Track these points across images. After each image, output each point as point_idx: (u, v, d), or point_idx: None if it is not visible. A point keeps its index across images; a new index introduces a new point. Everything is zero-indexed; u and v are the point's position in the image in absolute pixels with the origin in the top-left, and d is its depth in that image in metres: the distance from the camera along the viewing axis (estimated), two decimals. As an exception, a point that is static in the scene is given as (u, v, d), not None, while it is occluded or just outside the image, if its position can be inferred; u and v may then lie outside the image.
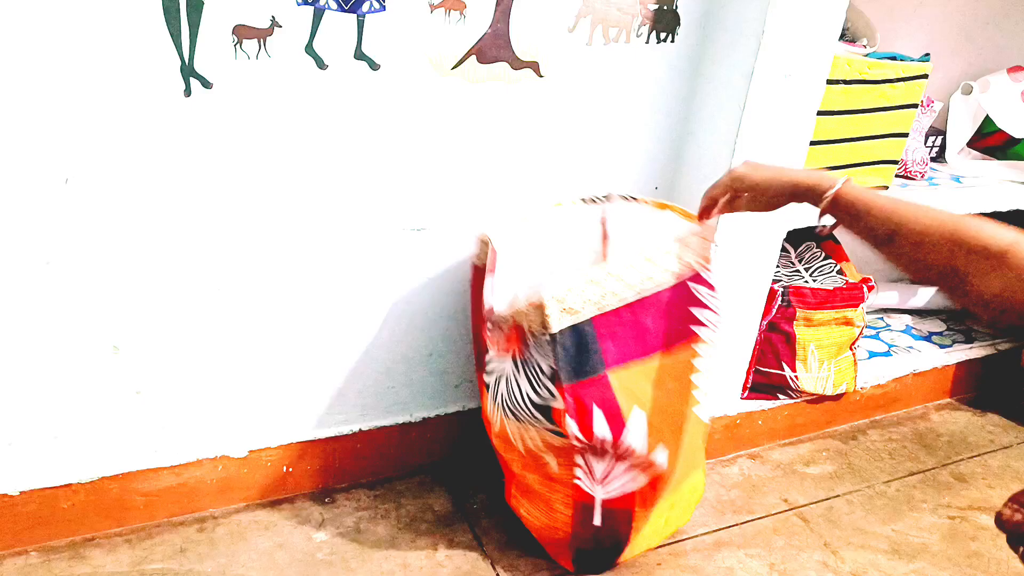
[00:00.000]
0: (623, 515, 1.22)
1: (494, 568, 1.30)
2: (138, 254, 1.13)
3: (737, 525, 1.46)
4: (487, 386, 1.22)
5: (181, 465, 1.30)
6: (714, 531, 1.44)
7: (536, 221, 1.27)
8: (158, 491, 1.30)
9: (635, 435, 1.13)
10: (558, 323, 1.07)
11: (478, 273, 1.22)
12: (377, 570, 1.27)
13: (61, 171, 1.04)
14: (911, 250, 0.84)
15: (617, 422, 1.12)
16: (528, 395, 1.14)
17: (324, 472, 1.43)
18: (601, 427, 1.10)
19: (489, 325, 1.17)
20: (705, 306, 1.20)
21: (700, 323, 1.20)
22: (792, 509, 1.52)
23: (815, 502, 1.54)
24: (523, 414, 1.16)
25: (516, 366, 1.15)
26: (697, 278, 1.19)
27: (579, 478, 1.17)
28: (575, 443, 1.11)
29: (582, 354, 1.09)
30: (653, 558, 1.35)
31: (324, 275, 1.27)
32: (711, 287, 1.20)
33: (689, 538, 1.41)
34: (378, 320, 1.35)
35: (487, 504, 1.44)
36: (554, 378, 1.10)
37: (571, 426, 1.10)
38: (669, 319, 1.16)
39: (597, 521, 1.21)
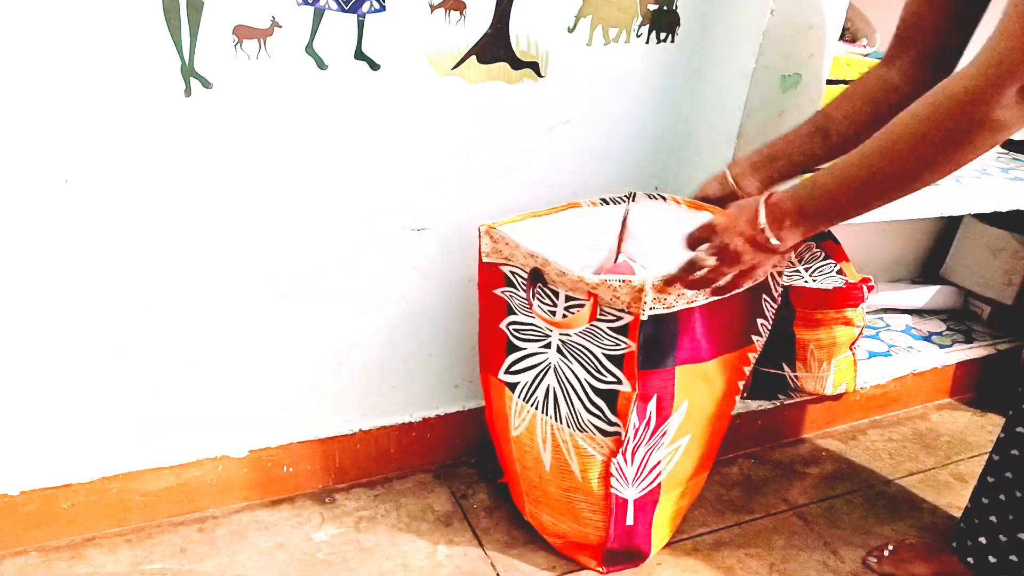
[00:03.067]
0: (649, 509, 1.25)
1: (494, 568, 1.30)
2: (138, 254, 1.13)
3: (737, 525, 1.46)
4: (511, 385, 1.21)
5: (181, 465, 1.30)
6: (714, 531, 1.44)
7: (550, 218, 1.25)
8: (158, 491, 1.30)
9: (673, 424, 1.15)
10: (650, 310, 1.04)
11: (487, 270, 1.20)
12: (377, 570, 1.27)
13: (61, 171, 1.04)
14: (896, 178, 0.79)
15: (665, 412, 1.13)
16: (587, 382, 1.12)
17: (324, 472, 1.43)
18: (651, 415, 1.12)
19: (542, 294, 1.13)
20: (765, 316, 1.22)
21: (758, 332, 1.22)
22: (792, 509, 1.52)
23: (815, 502, 1.54)
24: (574, 405, 1.14)
25: (566, 353, 1.13)
26: (765, 286, 1.20)
27: (613, 486, 1.17)
28: (626, 433, 1.11)
29: (662, 345, 1.08)
30: (654, 558, 1.35)
31: (324, 275, 1.27)
32: (773, 299, 1.23)
33: (689, 538, 1.41)
34: (378, 320, 1.35)
35: (487, 504, 1.44)
36: (621, 363, 1.08)
37: (634, 413, 1.09)
38: (737, 323, 1.17)
39: (630, 521, 1.22)
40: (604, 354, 1.09)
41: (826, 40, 1.28)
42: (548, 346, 1.15)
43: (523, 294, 1.15)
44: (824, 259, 1.71)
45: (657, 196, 1.32)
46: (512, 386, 1.21)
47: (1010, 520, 1.16)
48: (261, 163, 1.14)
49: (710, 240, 0.95)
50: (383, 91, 1.16)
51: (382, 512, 1.40)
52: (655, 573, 1.33)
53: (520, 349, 1.19)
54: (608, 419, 1.12)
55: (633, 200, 1.32)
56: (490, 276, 1.20)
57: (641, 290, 1.02)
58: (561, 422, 1.16)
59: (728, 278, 0.98)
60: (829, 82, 1.34)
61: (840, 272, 1.67)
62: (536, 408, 1.18)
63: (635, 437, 1.13)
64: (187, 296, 1.19)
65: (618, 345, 1.08)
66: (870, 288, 1.63)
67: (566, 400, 1.15)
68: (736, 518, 1.48)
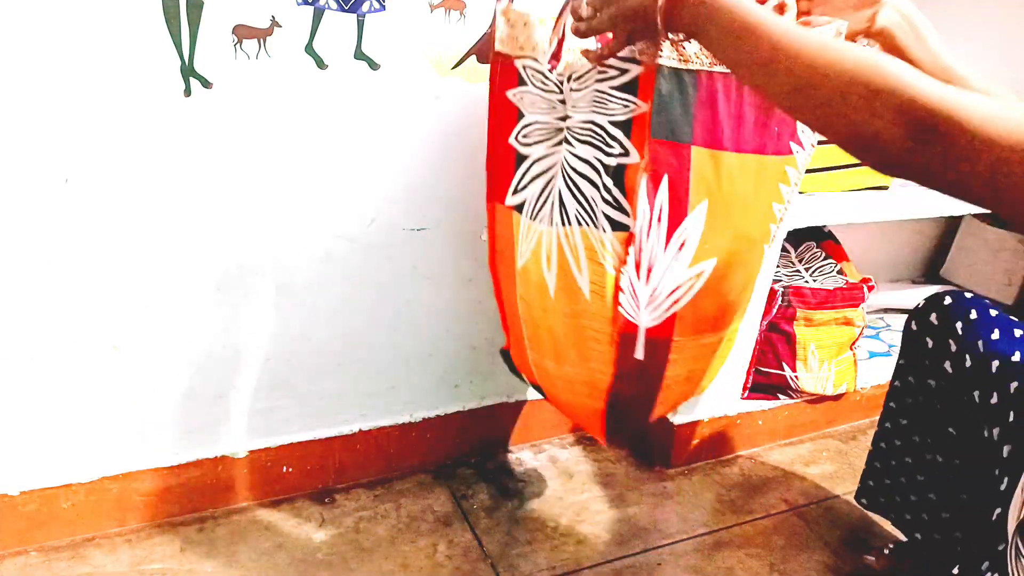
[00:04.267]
0: (663, 347, 1.06)
1: (494, 568, 1.30)
2: (138, 254, 1.13)
3: (737, 525, 1.46)
4: (519, 207, 1.06)
5: (181, 465, 1.30)
6: (714, 531, 1.44)
7: None
8: (158, 491, 1.30)
9: (691, 233, 0.98)
10: (667, 59, 0.88)
11: (499, 64, 1.04)
12: (377, 570, 1.27)
13: (61, 171, 1.04)
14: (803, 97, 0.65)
15: (679, 209, 0.96)
16: (595, 159, 0.96)
17: (324, 472, 1.43)
18: (661, 207, 0.96)
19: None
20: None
21: (798, 141, 1.01)
22: (792, 509, 1.52)
23: (815, 502, 1.54)
24: (583, 192, 0.98)
25: (573, 139, 0.98)
26: None
27: (622, 304, 0.99)
28: (633, 224, 0.95)
29: (676, 110, 0.92)
30: (653, 558, 1.35)
31: (324, 274, 1.27)
32: None
33: (689, 538, 1.41)
34: (378, 320, 1.35)
35: (487, 504, 1.44)
36: (629, 129, 0.93)
37: (643, 193, 0.93)
38: (771, 119, 0.98)
39: (640, 355, 1.04)
40: (610, 121, 0.94)
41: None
42: (559, 143, 1.00)
43: (534, 84, 1.01)
44: (824, 259, 1.71)
45: None
46: (519, 207, 1.06)
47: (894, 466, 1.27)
48: (261, 163, 1.14)
49: None
50: (383, 91, 1.16)
51: (382, 512, 1.40)
52: (655, 573, 1.33)
53: (527, 159, 1.04)
54: (619, 204, 0.96)
55: None
56: (502, 73, 1.05)
57: (657, 27, 0.82)
58: (570, 223, 1.00)
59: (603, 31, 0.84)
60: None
61: (840, 272, 1.67)
62: (543, 223, 1.03)
63: (647, 237, 0.97)
64: (187, 296, 1.19)
65: (626, 106, 0.92)
66: (870, 288, 1.63)
67: (573, 193, 0.99)
68: (736, 518, 1.48)
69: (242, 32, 1.04)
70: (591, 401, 1.11)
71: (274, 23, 1.06)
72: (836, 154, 1.46)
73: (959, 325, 1.15)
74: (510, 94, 1.04)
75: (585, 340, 1.05)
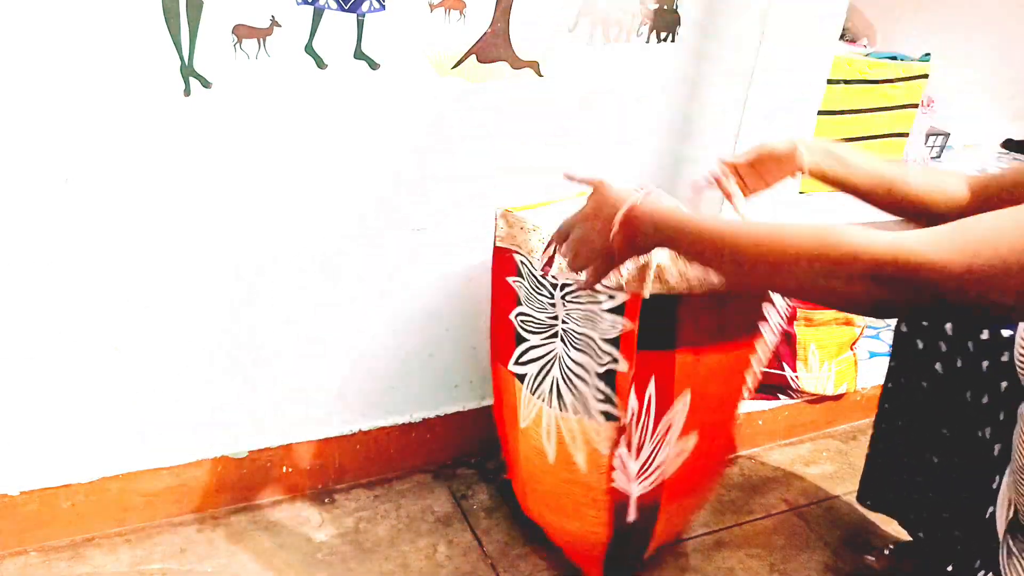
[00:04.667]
0: (652, 510, 1.23)
1: (494, 568, 1.30)
2: (138, 254, 1.13)
3: (737, 525, 1.46)
4: (520, 376, 1.20)
5: (181, 465, 1.30)
6: (714, 531, 1.44)
7: (566, 204, 1.21)
8: (158, 491, 1.30)
9: (677, 417, 1.14)
10: (650, 289, 1.02)
11: (500, 255, 1.19)
12: (377, 570, 1.27)
13: (61, 171, 1.04)
14: (758, 277, 0.75)
15: (666, 400, 1.12)
16: (588, 365, 1.11)
17: (324, 472, 1.43)
18: (650, 399, 1.11)
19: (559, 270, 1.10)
20: (774, 304, 1.18)
21: (767, 321, 1.17)
22: (792, 509, 1.52)
23: (815, 502, 1.54)
24: (578, 389, 1.13)
25: (567, 343, 1.12)
26: None
27: (615, 479, 1.16)
28: (624, 417, 1.10)
29: (661, 327, 1.07)
30: (654, 558, 1.35)
31: (324, 275, 1.27)
32: None
33: (689, 538, 1.41)
34: (378, 320, 1.35)
35: (487, 504, 1.44)
36: (618, 343, 1.07)
37: (632, 396, 1.08)
38: (744, 314, 1.14)
39: (632, 517, 1.20)
40: (602, 337, 1.08)
41: (826, 40, 1.28)
42: (554, 336, 1.15)
43: (530, 283, 1.15)
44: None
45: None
46: (520, 377, 1.21)
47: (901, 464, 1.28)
48: (260, 163, 1.14)
49: (571, 228, 0.93)
50: (383, 91, 1.16)
51: (382, 512, 1.40)
52: (656, 573, 1.33)
53: (526, 340, 1.18)
54: (610, 399, 1.11)
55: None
56: (503, 263, 1.19)
57: (646, 267, 1.01)
58: (566, 410, 1.15)
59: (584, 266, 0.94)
60: (829, 82, 1.34)
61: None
62: (542, 400, 1.18)
63: (637, 425, 1.12)
64: (186, 296, 1.19)
65: (615, 326, 1.07)
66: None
67: (569, 387, 1.14)
68: (736, 518, 1.48)
69: (242, 32, 1.04)
70: (589, 550, 1.26)
71: (274, 23, 1.06)
72: (836, 154, 1.46)
73: (948, 326, 1.15)
74: (510, 280, 1.19)
75: (581, 504, 1.20)
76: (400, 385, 1.43)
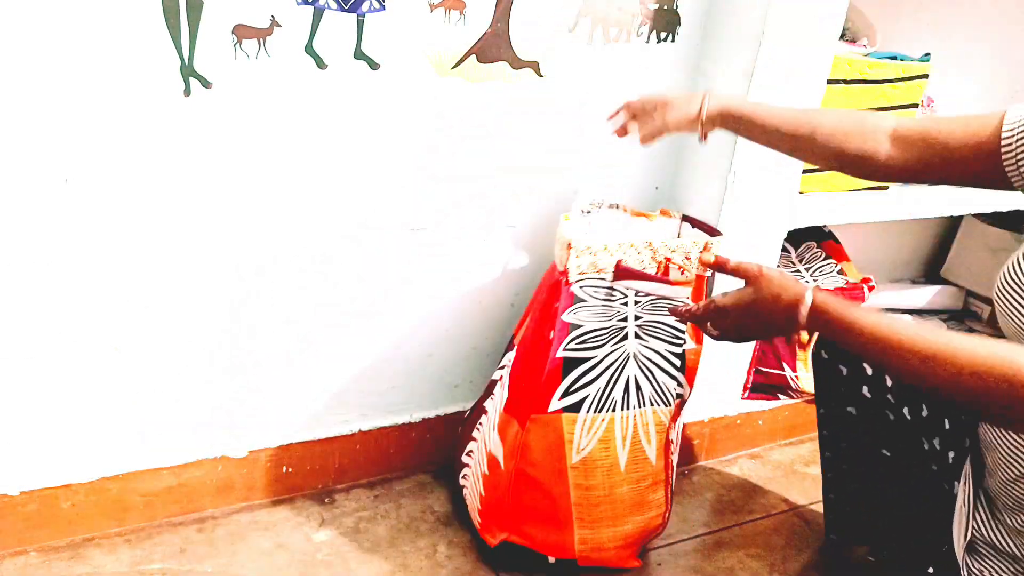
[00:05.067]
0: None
1: (494, 569, 1.30)
2: (138, 254, 1.13)
3: (737, 525, 1.46)
4: (572, 407, 1.20)
5: (181, 465, 1.30)
6: (714, 531, 1.44)
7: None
8: (158, 491, 1.30)
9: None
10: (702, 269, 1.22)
11: (560, 289, 1.19)
12: (377, 570, 1.27)
13: (61, 171, 1.04)
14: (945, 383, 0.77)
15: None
16: (666, 351, 1.24)
17: (324, 472, 1.43)
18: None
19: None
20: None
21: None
22: (792, 509, 1.52)
23: (815, 502, 1.54)
24: (656, 378, 1.25)
25: (643, 335, 1.23)
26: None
27: (672, 452, 1.30)
28: (688, 393, 1.29)
29: None
30: (654, 558, 1.35)
31: (323, 275, 1.27)
32: None
33: (689, 538, 1.41)
34: (378, 320, 1.35)
35: (487, 504, 1.43)
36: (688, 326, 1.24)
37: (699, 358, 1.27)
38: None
39: (673, 486, 1.34)
40: (677, 326, 1.24)
41: (826, 40, 1.28)
42: (625, 338, 1.22)
43: (598, 297, 1.20)
44: (825, 259, 1.71)
45: (615, 205, 1.37)
46: (574, 407, 1.20)
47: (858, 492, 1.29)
48: (260, 163, 1.14)
49: (748, 285, 0.94)
50: (383, 91, 1.16)
51: (382, 513, 1.40)
52: (655, 573, 1.33)
53: (583, 362, 1.20)
54: (679, 380, 1.27)
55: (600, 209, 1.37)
56: (563, 298, 1.18)
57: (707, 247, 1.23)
58: (643, 404, 1.25)
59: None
60: (829, 82, 1.34)
61: (841, 272, 1.67)
62: (613, 411, 1.23)
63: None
64: (186, 296, 1.19)
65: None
66: (871, 288, 1.63)
67: (648, 378, 1.24)
68: (736, 518, 1.48)
69: (242, 32, 1.04)
70: (637, 540, 1.32)
71: (274, 23, 1.06)
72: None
73: None
74: (566, 316, 1.19)
75: (646, 495, 1.29)
76: (400, 385, 1.43)
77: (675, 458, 1.33)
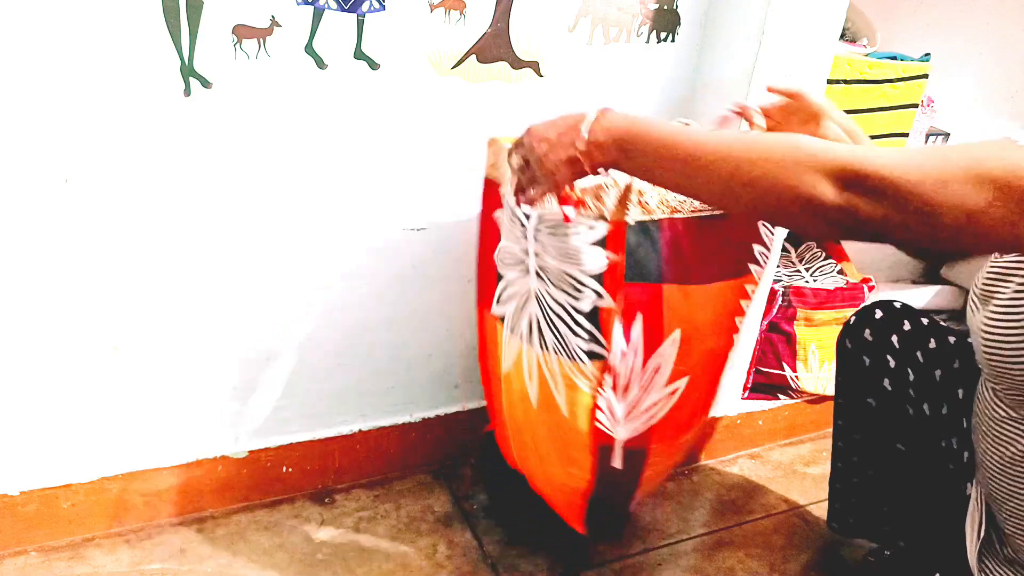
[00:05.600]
0: (640, 455, 1.17)
1: (494, 568, 1.30)
2: (138, 254, 1.13)
3: (737, 525, 1.46)
4: (501, 318, 1.13)
5: (181, 465, 1.30)
6: (714, 531, 1.44)
7: None
8: (158, 491, 1.30)
9: (666, 357, 1.08)
10: (634, 215, 0.98)
11: (488, 189, 1.15)
12: (377, 570, 1.27)
13: (61, 171, 1.04)
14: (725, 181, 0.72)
15: (654, 338, 1.06)
16: (568, 304, 1.04)
17: (324, 472, 1.43)
18: (637, 338, 1.05)
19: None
20: (764, 243, 1.13)
21: (756, 261, 1.13)
22: (792, 509, 1.52)
23: (815, 502, 1.54)
24: (559, 330, 1.05)
25: (544, 278, 1.05)
26: None
27: (599, 420, 1.08)
28: (611, 355, 1.04)
29: (645, 256, 1.02)
30: (654, 558, 1.35)
31: (323, 275, 1.27)
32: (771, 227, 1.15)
33: (689, 538, 1.41)
34: (377, 320, 1.35)
35: (487, 504, 1.44)
36: (602, 278, 1.01)
37: (617, 330, 1.02)
38: (730, 248, 1.09)
39: (618, 464, 1.13)
40: (584, 272, 1.01)
41: (826, 40, 1.28)
42: (526, 271, 1.07)
43: (507, 215, 1.08)
44: (825, 259, 1.71)
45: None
46: (502, 318, 1.14)
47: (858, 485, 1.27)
48: (261, 163, 1.14)
49: (523, 142, 0.90)
50: (383, 91, 1.16)
51: (382, 512, 1.40)
52: (655, 573, 1.33)
53: (503, 277, 1.12)
54: (595, 338, 1.04)
55: None
56: (490, 197, 1.15)
57: (627, 190, 0.96)
58: (547, 350, 1.08)
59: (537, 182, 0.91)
60: (829, 82, 1.34)
61: (841, 272, 1.67)
62: (521, 340, 1.11)
63: (623, 363, 1.06)
64: (186, 296, 1.19)
65: (598, 259, 1.00)
66: (871, 288, 1.63)
67: (550, 327, 1.06)
68: (736, 518, 1.48)
69: (242, 32, 1.04)
70: (572, 499, 1.19)
71: (274, 23, 1.06)
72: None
73: (895, 339, 1.12)
74: (496, 215, 1.13)
75: (565, 448, 1.13)
76: (400, 385, 1.43)
77: (619, 432, 1.12)
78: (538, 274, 1.05)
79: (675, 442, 1.21)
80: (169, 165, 1.09)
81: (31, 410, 1.17)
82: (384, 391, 1.42)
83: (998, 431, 0.94)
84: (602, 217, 0.98)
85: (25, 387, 1.15)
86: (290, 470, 1.39)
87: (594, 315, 1.03)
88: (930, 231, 0.65)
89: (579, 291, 1.02)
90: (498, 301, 1.14)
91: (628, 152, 0.79)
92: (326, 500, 1.42)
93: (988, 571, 0.98)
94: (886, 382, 1.14)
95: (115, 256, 1.12)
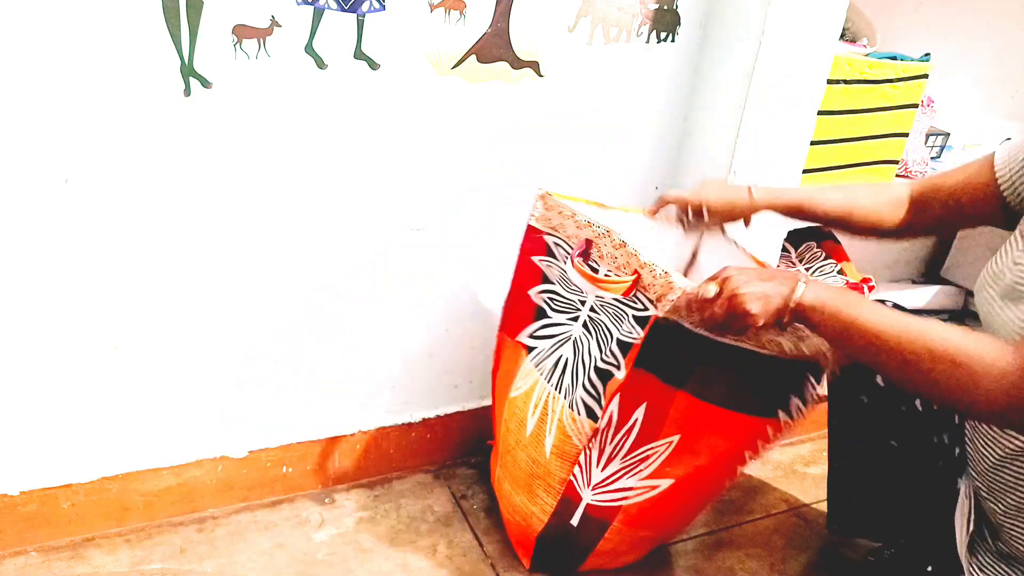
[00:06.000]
0: (600, 526, 1.21)
1: (494, 568, 1.30)
2: (138, 254, 1.13)
3: (737, 525, 1.46)
4: (529, 348, 1.23)
5: (181, 465, 1.30)
6: (714, 531, 1.44)
7: (605, 212, 1.25)
8: (158, 491, 1.30)
9: (656, 455, 1.12)
10: (665, 310, 1.01)
11: (531, 235, 1.23)
12: (377, 570, 1.27)
13: (61, 171, 1.04)
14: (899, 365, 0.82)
15: (652, 433, 1.10)
16: (596, 358, 1.11)
17: (324, 472, 1.43)
18: (636, 422, 1.10)
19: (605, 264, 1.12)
20: (802, 396, 1.14)
21: (787, 409, 1.13)
22: (792, 509, 1.52)
23: (815, 502, 1.54)
24: (578, 378, 1.13)
25: (590, 329, 1.14)
26: (812, 368, 1.11)
27: (574, 475, 1.15)
28: (604, 424, 1.09)
29: (671, 357, 1.05)
30: (654, 558, 1.35)
31: (323, 275, 1.27)
32: (815, 383, 1.14)
33: (689, 538, 1.41)
34: (377, 320, 1.35)
35: (487, 504, 1.44)
36: (627, 350, 1.06)
37: (615, 404, 1.08)
38: (766, 388, 1.11)
39: (575, 522, 1.20)
40: (618, 338, 1.08)
41: (826, 40, 1.28)
42: (576, 319, 1.16)
43: (563, 264, 1.18)
44: (825, 259, 1.71)
45: (730, 240, 1.27)
46: (530, 349, 1.23)
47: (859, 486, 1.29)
48: (261, 163, 1.14)
49: (727, 278, 0.95)
50: (383, 91, 1.16)
51: (382, 512, 1.40)
52: (655, 573, 1.33)
53: (549, 317, 1.21)
54: (598, 398, 1.10)
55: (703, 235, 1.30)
56: (532, 242, 1.23)
57: (671, 285, 0.99)
58: (560, 392, 1.16)
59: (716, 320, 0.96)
60: (829, 82, 1.34)
61: (841, 272, 1.67)
62: (542, 374, 1.19)
63: (612, 438, 1.11)
64: (186, 296, 1.19)
65: (632, 333, 1.05)
66: (871, 288, 1.63)
67: (572, 372, 1.14)
68: (736, 518, 1.48)
69: (242, 32, 1.04)
70: (525, 532, 1.27)
71: (274, 23, 1.06)
72: (836, 154, 1.46)
73: None
74: (536, 259, 1.23)
75: (536, 485, 1.22)
76: (400, 385, 1.43)
77: (585, 494, 1.16)
78: (586, 324, 1.15)
79: (639, 533, 1.24)
80: (169, 165, 1.09)
81: (31, 410, 1.17)
82: (384, 391, 1.42)
83: (991, 428, 0.94)
84: (652, 300, 1.03)
85: (25, 387, 1.15)
86: (290, 470, 1.39)
87: (605, 378, 1.10)
88: None
89: (608, 351, 1.10)
90: (532, 335, 1.24)
91: (823, 321, 0.88)
92: (326, 500, 1.42)
93: (979, 565, 0.99)
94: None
95: (115, 256, 1.12)
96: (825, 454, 1.68)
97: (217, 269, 1.19)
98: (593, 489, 1.16)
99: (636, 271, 1.05)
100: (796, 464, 1.66)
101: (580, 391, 1.13)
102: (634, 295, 1.05)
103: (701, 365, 1.05)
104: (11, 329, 1.11)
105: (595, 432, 1.11)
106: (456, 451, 1.53)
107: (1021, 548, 0.94)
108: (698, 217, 1.15)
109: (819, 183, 1.50)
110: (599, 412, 1.10)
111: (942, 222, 1.07)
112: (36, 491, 1.22)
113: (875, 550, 1.38)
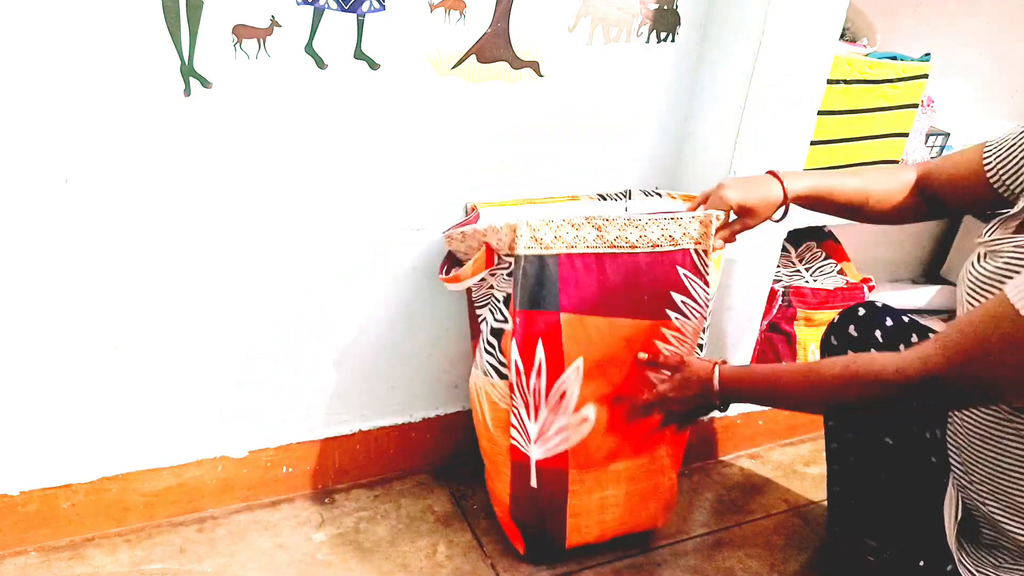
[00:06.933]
0: (559, 476, 1.22)
1: (494, 569, 1.30)
2: (138, 254, 1.13)
3: (737, 525, 1.46)
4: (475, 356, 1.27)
5: (181, 465, 1.30)
6: (714, 531, 1.44)
7: (549, 206, 1.33)
8: (158, 491, 1.30)
9: (571, 384, 1.16)
10: (525, 248, 1.09)
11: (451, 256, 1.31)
12: (377, 570, 1.27)
13: (61, 171, 1.04)
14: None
15: (556, 364, 1.14)
16: (491, 324, 1.19)
17: (324, 472, 1.43)
18: (540, 363, 1.14)
19: (461, 243, 1.23)
20: (688, 293, 1.17)
21: (677, 308, 1.17)
22: (792, 509, 1.52)
23: (815, 502, 1.54)
24: (484, 348, 1.21)
25: (488, 307, 1.21)
26: (688, 263, 1.15)
27: (514, 438, 1.19)
28: (514, 375, 1.14)
29: (540, 285, 1.12)
30: (653, 558, 1.35)
31: (324, 275, 1.27)
32: (702, 277, 1.16)
33: (689, 538, 1.41)
34: (377, 320, 1.35)
35: (487, 504, 1.43)
36: (507, 302, 1.14)
37: (514, 352, 1.13)
38: (641, 289, 1.15)
39: (533, 483, 1.22)
40: (502, 298, 1.16)
41: (826, 40, 1.28)
42: (486, 305, 1.24)
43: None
44: (825, 259, 1.71)
45: (652, 192, 1.37)
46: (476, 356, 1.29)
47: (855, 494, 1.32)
48: (260, 163, 1.14)
49: (673, 372, 1.15)
50: (383, 91, 1.16)
51: (382, 513, 1.40)
52: (655, 573, 1.33)
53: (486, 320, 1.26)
54: (499, 359, 1.18)
55: (630, 198, 1.36)
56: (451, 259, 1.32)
57: (513, 228, 1.08)
58: (478, 369, 1.23)
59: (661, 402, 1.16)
60: (829, 82, 1.34)
61: (841, 272, 1.67)
62: (476, 367, 1.25)
63: (528, 386, 1.15)
64: (186, 296, 1.19)
65: (506, 287, 1.14)
66: (871, 288, 1.63)
67: (480, 348, 1.22)
68: (736, 518, 1.48)
69: (242, 32, 1.04)
70: (503, 514, 1.31)
71: (274, 23, 1.06)
72: (836, 154, 1.46)
73: (879, 333, 1.16)
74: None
75: (498, 463, 1.26)
76: (400, 385, 1.43)
77: (533, 451, 1.20)
78: (489, 307, 1.22)
79: (603, 469, 1.24)
80: (169, 165, 1.09)
81: (31, 410, 1.17)
82: (384, 391, 1.42)
83: (979, 417, 0.95)
84: (508, 255, 1.12)
85: (25, 387, 1.15)
86: (290, 470, 1.39)
87: (497, 336, 1.18)
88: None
89: (496, 312, 1.19)
90: (476, 339, 1.28)
91: (742, 394, 1.06)
92: (326, 500, 1.42)
93: (967, 554, 1.00)
94: None
95: (115, 256, 1.12)
96: (824, 454, 1.68)
97: (217, 269, 1.19)
98: (536, 443, 1.19)
99: (484, 243, 1.15)
100: (796, 464, 1.66)
101: (485, 356, 1.20)
102: (497, 259, 1.15)
103: (563, 281, 1.13)
104: (11, 329, 1.11)
105: (511, 388, 1.16)
106: (456, 451, 1.53)
107: (1003, 525, 0.95)
108: (744, 221, 1.16)
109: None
110: (504, 369, 1.17)
111: (945, 203, 1.10)
112: (36, 491, 1.22)
113: (875, 550, 1.38)
